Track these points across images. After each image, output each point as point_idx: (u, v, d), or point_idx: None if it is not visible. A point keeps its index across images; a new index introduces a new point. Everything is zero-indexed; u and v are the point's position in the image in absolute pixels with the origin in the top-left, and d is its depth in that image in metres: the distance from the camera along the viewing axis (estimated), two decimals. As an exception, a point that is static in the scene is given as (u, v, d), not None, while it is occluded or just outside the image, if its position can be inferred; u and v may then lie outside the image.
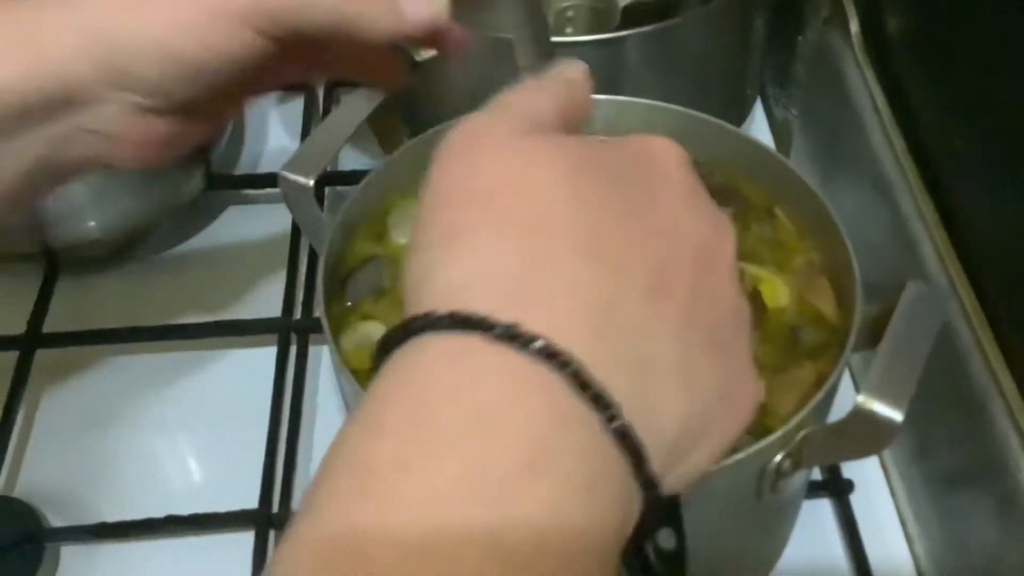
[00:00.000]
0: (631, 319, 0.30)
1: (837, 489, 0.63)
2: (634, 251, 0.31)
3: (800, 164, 0.81)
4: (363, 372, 0.51)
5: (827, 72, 0.73)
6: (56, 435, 0.70)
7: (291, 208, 0.54)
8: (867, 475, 0.64)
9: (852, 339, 0.48)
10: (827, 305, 0.53)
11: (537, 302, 0.29)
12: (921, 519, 0.61)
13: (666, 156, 0.35)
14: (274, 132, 0.90)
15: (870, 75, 0.66)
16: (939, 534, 0.59)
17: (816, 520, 0.62)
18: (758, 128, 0.87)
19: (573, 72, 0.38)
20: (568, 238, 0.30)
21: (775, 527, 0.55)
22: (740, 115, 0.84)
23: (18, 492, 0.66)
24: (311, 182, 0.52)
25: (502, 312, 0.28)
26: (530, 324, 0.28)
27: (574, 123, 0.37)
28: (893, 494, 0.64)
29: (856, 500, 0.62)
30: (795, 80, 0.82)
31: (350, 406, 0.52)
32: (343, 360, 0.49)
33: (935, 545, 0.60)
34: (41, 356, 0.72)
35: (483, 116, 0.35)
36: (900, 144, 0.62)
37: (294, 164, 0.53)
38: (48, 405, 0.71)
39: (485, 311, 0.28)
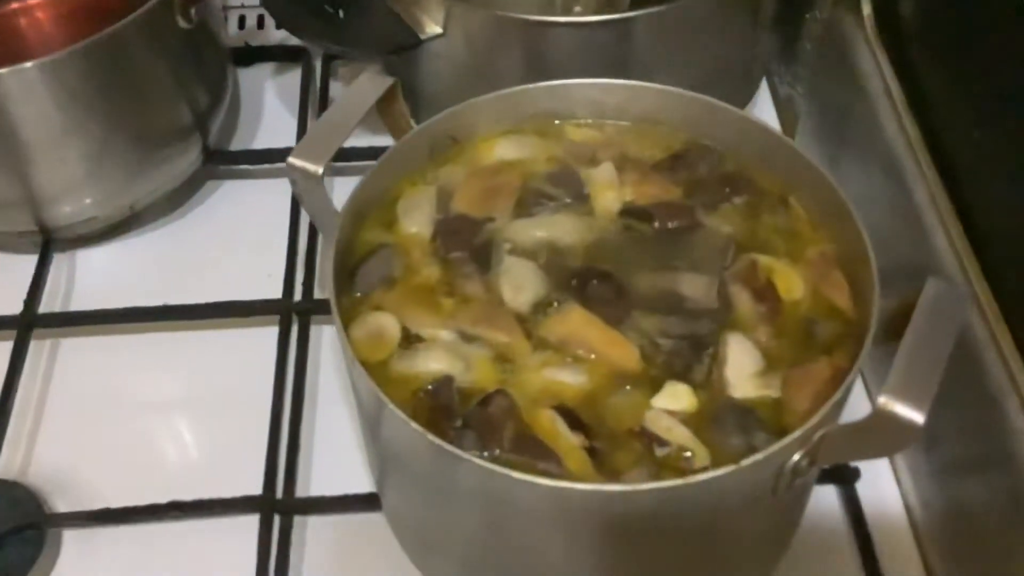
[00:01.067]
0: None
1: (843, 477, 0.63)
2: None
3: (805, 145, 0.80)
4: (374, 364, 0.50)
5: (836, 53, 0.72)
6: (57, 418, 0.69)
7: (299, 196, 0.53)
8: (874, 463, 0.64)
9: (871, 335, 0.48)
10: (842, 298, 0.53)
11: None
12: (927, 509, 0.61)
13: None
14: (270, 105, 0.89)
15: (882, 58, 0.65)
16: (944, 524, 0.59)
17: (822, 506, 0.62)
18: (763, 105, 0.86)
19: None
20: None
21: (786, 518, 0.55)
22: (747, 93, 0.83)
23: (19, 476, 0.65)
24: (320, 169, 0.51)
25: None
26: None
27: None
28: (899, 483, 0.64)
29: (862, 488, 0.62)
30: (802, 58, 0.81)
31: (361, 399, 0.51)
32: (354, 353, 0.48)
33: (940, 533, 0.60)
34: (38, 335, 0.71)
35: None
36: (914, 131, 0.61)
37: (302, 151, 0.52)
38: (47, 387, 0.70)
39: None
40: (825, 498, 0.63)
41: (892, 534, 0.62)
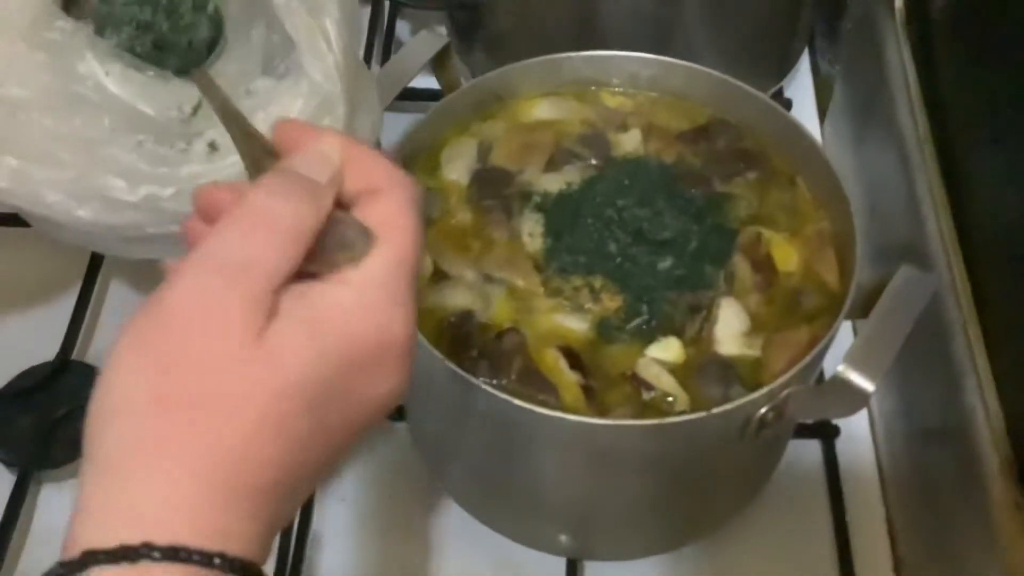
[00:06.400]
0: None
1: (825, 432, 0.69)
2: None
3: (836, 119, 0.85)
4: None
5: (869, 39, 0.76)
6: (129, 305, 0.77)
7: (355, 139, 0.59)
8: (855, 422, 0.70)
9: (845, 310, 0.54)
10: (831, 274, 0.58)
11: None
12: (896, 469, 0.67)
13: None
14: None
15: (907, 53, 0.69)
16: (909, 484, 0.65)
17: (804, 458, 0.68)
18: (802, 77, 0.90)
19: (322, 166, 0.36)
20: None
21: (757, 464, 0.62)
22: (786, 65, 0.88)
23: (91, 358, 0.73)
24: (375, 118, 0.58)
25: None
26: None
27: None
28: (876, 444, 0.70)
29: (841, 444, 0.69)
30: (843, 37, 0.85)
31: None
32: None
33: (904, 493, 0.66)
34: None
35: (209, 287, 0.33)
36: (924, 126, 0.65)
37: (360, 101, 0.58)
38: (122, 275, 0.78)
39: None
40: (808, 451, 0.69)
41: (863, 489, 0.68)
